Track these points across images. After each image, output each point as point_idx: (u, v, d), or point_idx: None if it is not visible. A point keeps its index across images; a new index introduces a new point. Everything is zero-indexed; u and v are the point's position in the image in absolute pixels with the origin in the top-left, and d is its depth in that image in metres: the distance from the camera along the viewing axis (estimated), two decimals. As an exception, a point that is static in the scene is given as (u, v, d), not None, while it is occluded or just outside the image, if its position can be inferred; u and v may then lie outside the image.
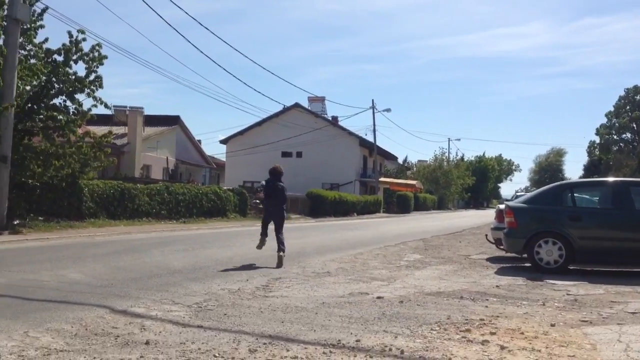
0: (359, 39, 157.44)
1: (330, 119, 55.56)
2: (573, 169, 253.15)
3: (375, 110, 51.71)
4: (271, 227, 10.99)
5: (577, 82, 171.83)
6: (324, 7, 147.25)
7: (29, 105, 17.35)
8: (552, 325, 5.74)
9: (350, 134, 53.13)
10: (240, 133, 53.46)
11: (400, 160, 76.13)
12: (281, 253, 10.44)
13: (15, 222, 15.96)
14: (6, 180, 15.58)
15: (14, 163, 16.10)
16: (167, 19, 62.62)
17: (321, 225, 27.54)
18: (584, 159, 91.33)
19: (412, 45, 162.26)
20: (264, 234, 11.04)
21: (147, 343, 4.76)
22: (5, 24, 15.87)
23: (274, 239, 10.70)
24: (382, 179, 55.09)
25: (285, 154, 51.81)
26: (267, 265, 10.32)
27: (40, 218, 17.36)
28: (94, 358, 4.33)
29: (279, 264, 10.24)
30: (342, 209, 39.54)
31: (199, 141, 47.75)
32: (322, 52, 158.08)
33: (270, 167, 11.43)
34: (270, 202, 10.99)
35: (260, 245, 11.04)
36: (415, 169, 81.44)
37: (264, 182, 11.13)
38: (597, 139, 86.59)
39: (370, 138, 52.77)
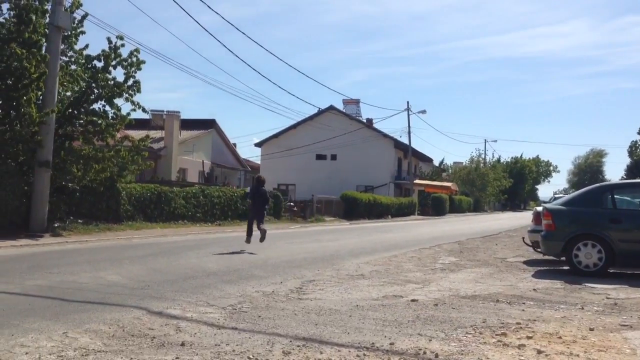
0: (394, 40, 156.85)
1: (364, 121, 55.37)
2: (614, 170, 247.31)
3: (410, 112, 51.33)
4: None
5: (618, 82, 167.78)
6: (358, 9, 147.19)
7: (70, 110, 17.75)
8: (591, 329, 5.62)
9: (385, 136, 52.84)
10: (275, 136, 53.66)
11: (435, 162, 75.46)
12: (264, 233, 13.55)
13: (56, 225, 16.34)
14: (47, 183, 15.97)
15: (55, 167, 16.48)
16: (204, 24, 63.42)
17: (355, 228, 27.50)
18: (626, 160, 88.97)
19: (447, 47, 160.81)
20: (249, 232, 13.71)
21: (182, 344, 4.82)
22: (47, 31, 16.28)
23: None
24: (416, 181, 54.66)
25: (320, 157, 51.86)
26: (301, 267, 10.36)
27: (79, 221, 17.74)
28: (131, 359, 4.40)
29: (262, 239, 13.51)
30: (376, 211, 39.41)
31: (234, 144, 48.24)
32: (356, 54, 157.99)
33: (255, 176, 14.44)
34: (254, 204, 14.00)
35: (248, 240, 13.58)
36: (450, 170, 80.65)
37: (248, 190, 14.99)
38: (639, 139, 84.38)
39: (405, 140, 52.44)
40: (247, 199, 15.90)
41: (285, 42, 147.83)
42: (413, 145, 52.39)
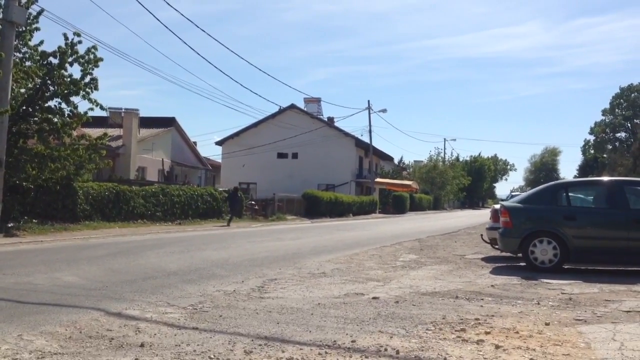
0: (355, 39, 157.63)
1: (326, 120, 55.44)
2: (568, 169, 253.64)
3: (371, 111, 51.69)
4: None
5: (572, 82, 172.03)
6: (320, 8, 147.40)
7: (24, 107, 17.31)
8: (547, 324, 5.75)
9: (346, 134, 53.03)
10: (236, 134, 53.28)
11: (396, 161, 76.12)
12: (232, 220, 25.02)
13: (10, 225, 15.91)
14: (0, 183, 15.52)
15: (9, 165, 16.04)
16: (163, 21, 62.64)
17: (317, 226, 27.54)
18: (579, 158, 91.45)
19: (407, 46, 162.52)
20: (229, 222, 24.55)
21: (141, 345, 4.75)
22: (1, 27, 15.81)
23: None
24: (378, 180, 55.01)
25: (281, 155, 51.73)
26: (262, 266, 10.32)
27: (34, 221, 17.31)
28: (89, 361, 4.32)
29: (231, 220, 25.16)
30: (337, 209, 39.53)
31: (195, 143, 47.63)
32: (318, 53, 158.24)
33: (234, 187, 27.34)
34: (232, 205, 26.42)
35: (229, 225, 23.79)
36: (411, 169, 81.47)
37: (227, 194, 27.88)
38: (592, 138, 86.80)
39: (366, 139, 52.75)
40: (228, 201, 27.42)
41: (246, 40, 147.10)
42: (374, 144, 52.81)
